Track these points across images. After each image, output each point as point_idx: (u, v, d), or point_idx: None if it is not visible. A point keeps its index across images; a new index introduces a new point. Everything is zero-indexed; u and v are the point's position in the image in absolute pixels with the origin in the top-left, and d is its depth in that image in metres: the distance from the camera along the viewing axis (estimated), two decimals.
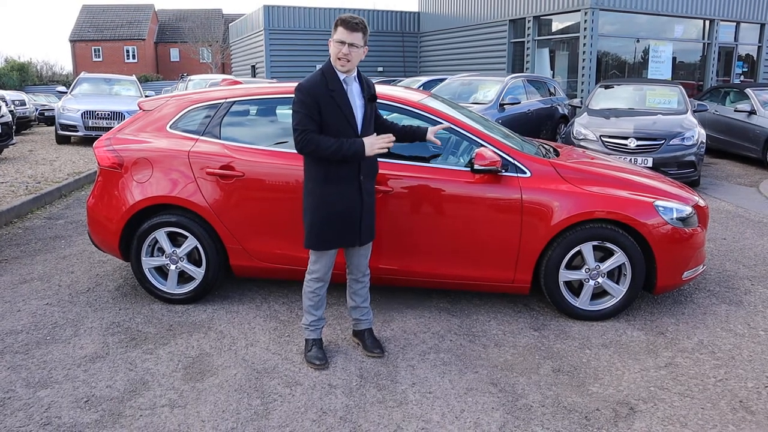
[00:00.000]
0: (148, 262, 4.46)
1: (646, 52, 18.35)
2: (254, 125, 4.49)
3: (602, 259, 4.27)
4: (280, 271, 4.40)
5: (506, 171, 4.18)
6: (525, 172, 4.22)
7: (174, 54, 53.98)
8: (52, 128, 19.12)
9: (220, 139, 4.40)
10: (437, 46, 24.54)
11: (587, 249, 4.22)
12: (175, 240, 4.44)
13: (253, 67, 27.18)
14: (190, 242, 4.37)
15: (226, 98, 4.51)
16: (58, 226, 6.87)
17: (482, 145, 4.23)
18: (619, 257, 4.22)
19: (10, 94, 16.74)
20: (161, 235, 4.38)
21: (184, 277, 4.50)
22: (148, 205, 4.35)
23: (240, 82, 5.10)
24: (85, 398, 3.25)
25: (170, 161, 4.36)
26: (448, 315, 4.40)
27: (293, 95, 4.48)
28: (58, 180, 9.15)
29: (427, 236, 4.21)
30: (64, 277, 5.12)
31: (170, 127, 4.51)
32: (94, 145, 4.72)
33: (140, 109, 4.77)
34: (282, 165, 4.24)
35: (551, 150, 5.00)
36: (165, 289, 4.48)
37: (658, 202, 4.26)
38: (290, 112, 4.67)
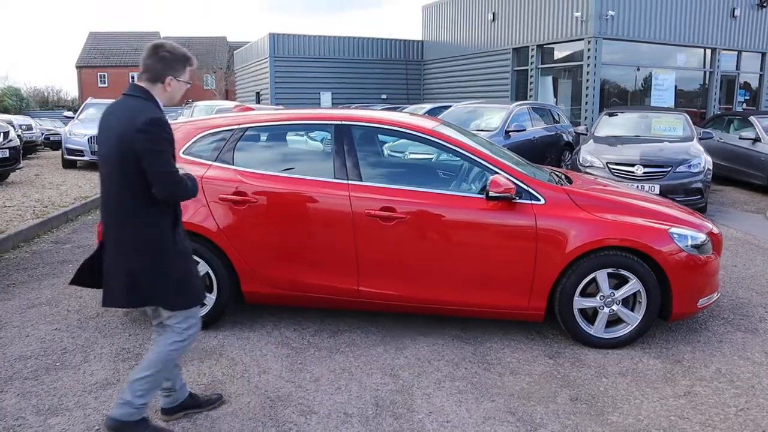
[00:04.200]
0: None
1: (648, 80, 18.49)
2: (267, 151, 4.50)
3: (617, 287, 4.23)
4: (293, 297, 4.36)
5: (520, 198, 4.17)
6: (539, 200, 4.20)
7: None
8: (58, 152, 19.19)
9: (233, 164, 4.39)
10: (440, 74, 24.75)
11: (602, 276, 4.19)
12: None
13: (258, 93, 27.40)
14: (202, 268, 4.33)
15: (240, 124, 4.51)
16: (66, 251, 6.85)
17: (496, 172, 4.22)
18: (634, 284, 4.18)
19: (17, 119, 16.83)
20: None
21: None
22: None
23: (252, 109, 5.11)
24: (97, 426, 3.20)
25: None
26: (461, 342, 4.35)
27: (310, 122, 4.51)
28: (65, 204, 9.15)
29: (440, 263, 4.18)
30: (73, 302, 5.08)
31: (183, 153, 4.51)
32: None
33: None
34: (295, 191, 4.23)
35: (563, 177, 4.99)
36: None
37: (673, 230, 4.23)
38: (300, 138, 4.71)
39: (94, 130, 13.70)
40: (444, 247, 4.17)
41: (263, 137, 4.56)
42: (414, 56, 26.51)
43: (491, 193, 4.05)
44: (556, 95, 18.93)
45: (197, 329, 3.06)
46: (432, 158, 7.37)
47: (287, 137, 4.57)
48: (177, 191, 2.86)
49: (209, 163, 4.42)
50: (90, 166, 14.15)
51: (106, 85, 52.19)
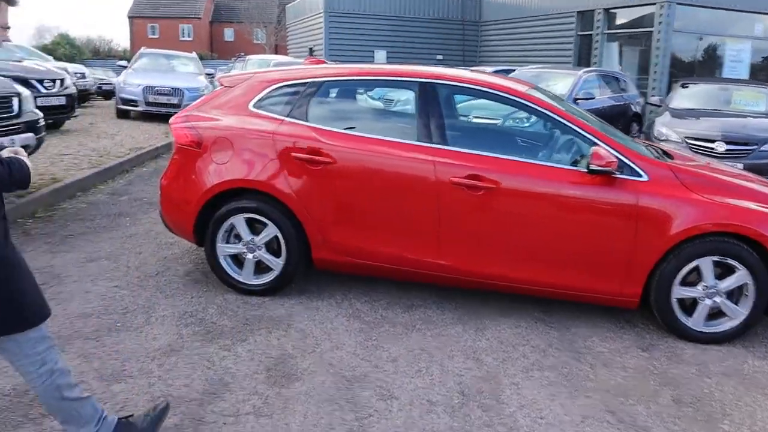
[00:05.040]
0: (223, 249, 4.18)
1: (712, 49, 17.43)
2: (345, 108, 4.16)
3: (721, 276, 3.83)
4: (366, 267, 4.07)
5: (621, 173, 3.77)
6: (641, 176, 3.79)
7: (228, 34, 54.29)
8: (110, 102, 19.16)
9: (307, 121, 4.07)
10: (499, 36, 23.92)
11: (706, 264, 3.78)
12: (254, 227, 4.14)
13: (311, 49, 26.95)
14: (270, 230, 4.06)
15: (315, 77, 4.17)
16: (122, 203, 6.69)
17: (596, 144, 3.82)
18: (741, 275, 3.77)
19: (71, 67, 16.77)
20: (239, 222, 4.09)
21: (260, 268, 4.21)
22: (227, 188, 4.06)
23: (325, 62, 4.76)
24: (162, 398, 2.97)
25: (253, 142, 4.06)
26: (545, 326, 4.02)
27: (393, 78, 4.15)
28: (120, 155, 9.01)
29: (528, 240, 3.83)
30: (132, 258, 4.89)
31: (253, 106, 4.21)
32: (170, 121, 4.45)
33: (220, 85, 4.48)
34: (377, 153, 3.89)
35: (662, 152, 4.55)
36: (240, 279, 4.19)
37: None
38: (380, 95, 4.35)
39: (147, 80, 13.61)
40: (534, 223, 3.81)
41: (341, 93, 4.23)
42: (472, 16, 25.63)
43: (592, 167, 3.65)
44: (620, 63, 18.05)
45: (50, 343, 2.26)
46: (498, 122, 6.96)
47: (366, 94, 4.23)
48: None
49: (281, 118, 4.10)
50: (143, 116, 14.04)
51: (156, 36, 52.32)
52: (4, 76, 6.89)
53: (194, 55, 16.60)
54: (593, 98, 10.60)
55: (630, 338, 3.93)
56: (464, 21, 25.54)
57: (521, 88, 4.11)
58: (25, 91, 6.23)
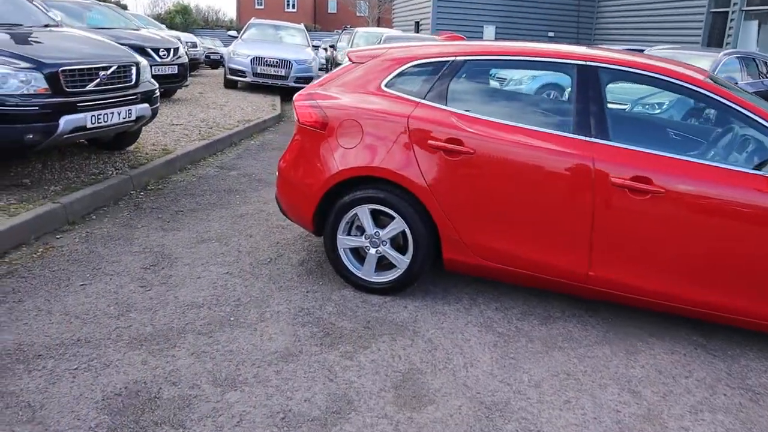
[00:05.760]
0: (343, 242, 3.84)
1: None
2: (492, 92, 3.69)
3: None
4: (502, 272, 3.61)
5: None
6: None
7: (331, 5, 54.46)
8: (218, 71, 19.41)
9: (446, 104, 3.63)
10: (618, 14, 22.46)
11: None
12: (378, 220, 3.77)
13: (417, 23, 26.36)
14: (397, 225, 3.67)
15: (457, 55, 3.71)
16: (231, 178, 6.51)
17: None
18: None
19: (183, 36, 17.00)
20: (364, 213, 3.73)
21: (382, 264, 3.84)
22: (353, 175, 3.69)
23: (463, 38, 4.27)
24: (282, 413, 2.67)
25: (384, 126, 3.66)
26: (707, 355, 3.44)
27: (547, 59, 3.63)
28: (229, 126, 8.90)
29: (700, 255, 3.25)
30: (243, 241, 4.65)
31: (386, 86, 3.81)
32: (294, 98, 4.13)
33: (349, 60, 4.10)
34: (525, 145, 3.40)
35: None
36: (360, 275, 3.84)
37: None
38: (501, 74, 3.84)
39: (257, 51, 13.54)
40: (707, 235, 3.22)
41: (485, 74, 3.75)
42: None
43: None
44: (757, 44, 16.45)
45: None
46: (626, 108, 6.27)
47: (525, 76, 3.74)
48: None
49: (417, 100, 3.68)
50: (250, 87, 14.03)
51: (262, 6, 53.20)
52: (123, 44, 6.82)
53: (302, 26, 16.43)
54: (736, 83, 9.57)
55: None
56: None
57: (699, 75, 3.50)
58: (143, 61, 6.10)
